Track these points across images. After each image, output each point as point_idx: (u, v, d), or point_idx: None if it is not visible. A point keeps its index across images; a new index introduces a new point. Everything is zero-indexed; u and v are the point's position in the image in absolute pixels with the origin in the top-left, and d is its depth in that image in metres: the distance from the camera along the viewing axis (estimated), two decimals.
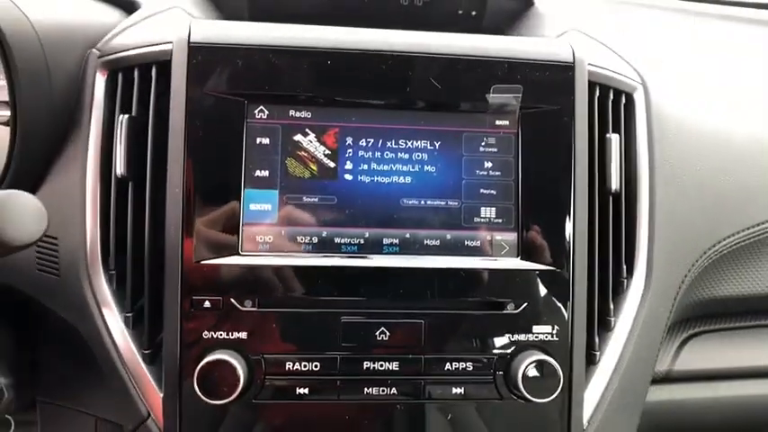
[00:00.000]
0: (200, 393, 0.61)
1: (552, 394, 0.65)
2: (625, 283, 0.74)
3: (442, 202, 0.68)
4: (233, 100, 0.65)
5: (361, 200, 0.67)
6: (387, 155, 0.67)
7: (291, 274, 0.65)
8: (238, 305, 0.64)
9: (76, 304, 0.68)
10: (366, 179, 0.67)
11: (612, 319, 0.73)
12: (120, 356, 0.67)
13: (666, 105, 0.78)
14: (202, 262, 0.64)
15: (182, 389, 0.63)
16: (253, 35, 0.66)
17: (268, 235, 0.65)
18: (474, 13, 0.98)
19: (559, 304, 0.68)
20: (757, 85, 0.98)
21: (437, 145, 0.68)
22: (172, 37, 0.66)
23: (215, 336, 0.64)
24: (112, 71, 0.70)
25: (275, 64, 0.66)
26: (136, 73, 0.69)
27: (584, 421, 0.70)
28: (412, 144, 0.68)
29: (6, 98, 0.64)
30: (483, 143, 0.68)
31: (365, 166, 0.67)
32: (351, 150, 0.67)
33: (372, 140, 0.67)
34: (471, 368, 0.66)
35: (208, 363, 0.61)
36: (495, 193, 0.68)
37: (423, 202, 0.67)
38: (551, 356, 0.65)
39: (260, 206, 0.66)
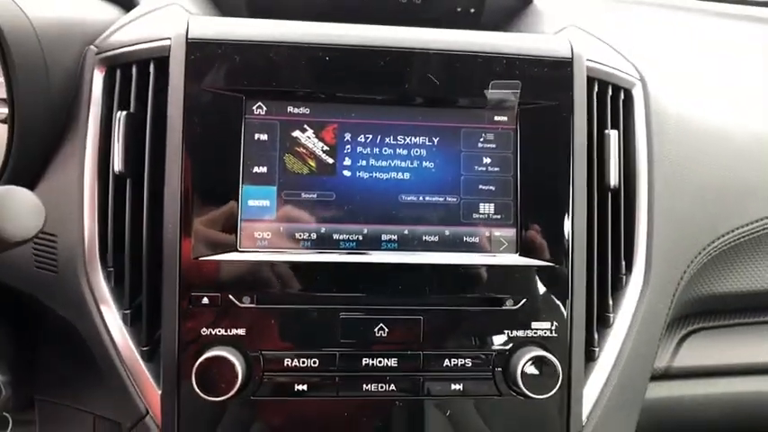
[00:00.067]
0: (198, 390, 0.61)
1: (551, 391, 0.65)
2: (624, 280, 0.74)
3: (441, 198, 0.68)
4: (231, 96, 0.65)
5: (359, 196, 0.67)
6: (385, 151, 0.67)
7: (290, 270, 0.64)
8: (237, 302, 0.64)
9: (74, 301, 0.68)
10: (364, 175, 0.67)
11: (611, 315, 0.73)
12: (119, 354, 0.67)
13: (665, 101, 0.78)
14: (200, 258, 0.64)
15: (180, 386, 0.63)
16: (251, 31, 0.66)
17: (266, 231, 0.65)
18: (472, 10, 0.98)
19: (558, 300, 0.68)
20: (755, 83, 0.98)
21: (435, 141, 0.68)
22: (170, 33, 0.66)
23: (213, 332, 0.63)
24: (110, 68, 0.70)
25: (273, 60, 0.65)
26: (134, 69, 0.69)
27: (583, 418, 0.70)
28: (410, 140, 0.68)
29: (4, 95, 0.64)
30: (481, 139, 0.68)
31: (364, 163, 0.67)
32: (349, 146, 0.67)
33: (371, 136, 0.67)
34: (470, 364, 0.66)
35: (206, 359, 0.61)
36: (493, 188, 0.68)
37: (421, 199, 0.67)
38: (550, 353, 0.65)
39: (258, 202, 0.65)
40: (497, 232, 0.68)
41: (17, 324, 0.81)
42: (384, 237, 0.67)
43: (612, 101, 0.75)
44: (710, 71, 0.95)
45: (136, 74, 0.69)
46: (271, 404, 0.65)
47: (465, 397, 0.67)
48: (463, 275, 0.66)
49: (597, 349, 0.72)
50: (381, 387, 0.66)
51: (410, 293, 0.66)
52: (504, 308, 0.67)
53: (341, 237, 0.66)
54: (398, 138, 0.68)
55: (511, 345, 0.67)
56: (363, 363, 0.65)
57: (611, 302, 0.73)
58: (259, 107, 0.66)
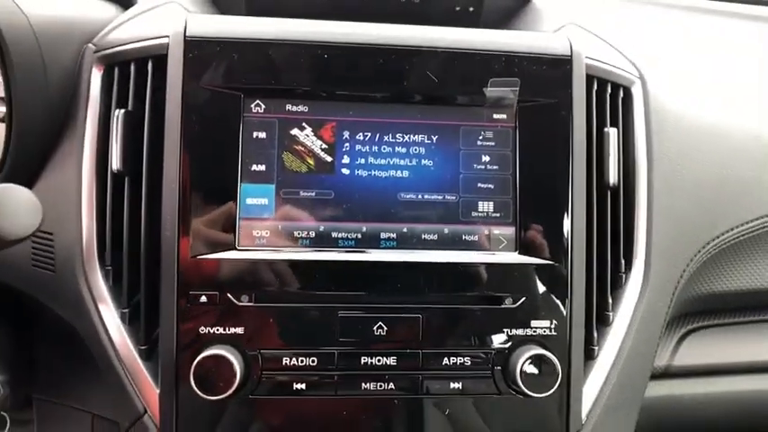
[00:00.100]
0: (196, 389, 0.60)
1: (550, 389, 0.64)
2: (623, 278, 0.74)
3: (440, 197, 0.67)
4: (229, 94, 0.65)
5: (358, 194, 0.66)
6: (384, 149, 0.67)
7: (288, 268, 0.64)
8: (235, 300, 0.64)
9: (72, 300, 0.67)
10: (363, 173, 0.67)
11: (611, 313, 0.73)
12: (117, 352, 0.66)
13: (664, 100, 0.78)
14: (199, 257, 0.63)
15: (178, 385, 0.63)
16: (249, 29, 0.66)
17: (265, 230, 0.65)
18: (471, 9, 0.98)
19: (558, 299, 0.67)
20: (753, 81, 0.97)
21: (434, 139, 0.68)
22: (168, 31, 0.66)
23: (211, 331, 0.63)
24: (108, 66, 0.70)
25: (272, 58, 0.65)
26: (132, 67, 0.69)
27: (583, 416, 0.70)
28: (409, 138, 0.68)
29: (2, 94, 0.64)
30: (480, 137, 0.68)
31: (362, 161, 0.67)
32: (348, 144, 0.67)
33: (369, 134, 0.67)
34: (469, 363, 0.66)
35: (204, 358, 0.61)
36: (492, 187, 0.68)
37: (420, 197, 0.67)
38: (550, 351, 0.65)
39: (256, 201, 0.65)
40: (496, 230, 0.68)
41: (15, 323, 0.80)
42: (383, 235, 0.66)
43: (612, 99, 0.75)
44: (709, 70, 0.95)
45: (134, 72, 0.69)
46: (269, 403, 0.65)
47: (464, 396, 0.66)
48: (462, 274, 0.66)
49: (597, 348, 0.71)
50: (380, 386, 0.65)
51: (409, 292, 0.66)
52: (503, 306, 0.67)
53: (339, 235, 0.66)
54: (397, 136, 0.67)
55: (510, 343, 0.67)
56: (362, 361, 0.65)
57: (610, 301, 0.73)
58: (257, 105, 0.66)
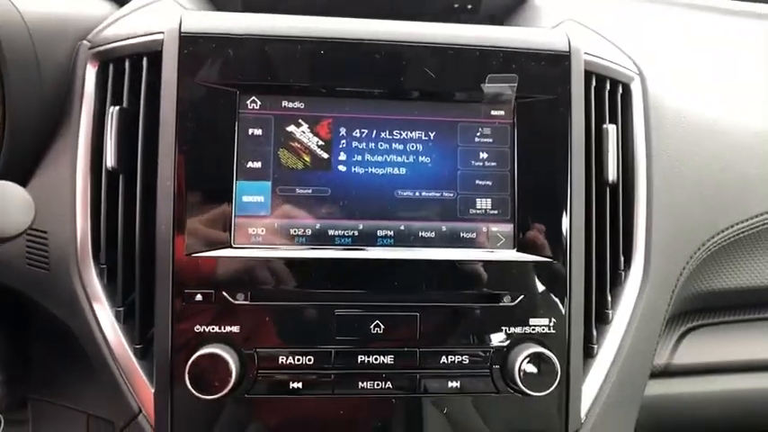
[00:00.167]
0: (191, 388, 0.60)
1: (549, 388, 0.64)
2: (623, 276, 0.73)
3: (437, 194, 0.67)
4: (225, 90, 0.64)
5: (354, 191, 0.66)
6: (381, 146, 0.67)
7: (284, 266, 0.64)
8: (230, 299, 0.63)
9: (67, 299, 0.67)
10: (360, 170, 0.66)
11: (610, 311, 0.72)
12: (111, 352, 0.66)
13: (663, 96, 0.77)
14: (194, 255, 0.63)
15: (173, 384, 0.62)
16: (245, 25, 0.66)
17: (260, 227, 0.65)
18: (469, 6, 0.97)
19: (556, 296, 0.67)
20: (753, 79, 0.97)
21: (432, 135, 0.67)
22: (163, 27, 0.65)
23: (207, 330, 0.63)
24: (103, 62, 0.69)
25: (268, 54, 0.65)
26: (127, 64, 0.68)
27: (582, 415, 0.69)
28: (406, 135, 0.67)
29: None
30: (478, 133, 0.68)
31: (359, 158, 0.66)
32: (344, 141, 0.66)
33: (366, 131, 0.67)
34: (467, 361, 0.66)
35: (199, 357, 0.60)
36: (490, 184, 0.67)
37: (417, 194, 0.67)
38: (548, 349, 0.64)
39: (252, 198, 0.65)
40: (494, 228, 0.67)
41: (10, 323, 0.80)
42: (380, 233, 0.66)
43: (610, 95, 0.75)
44: (708, 67, 0.94)
45: (129, 68, 0.68)
46: (265, 402, 0.64)
47: (462, 395, 0.66)
48: (460, 271, 0.65)
49: (596, 346, 0.71)
50: (377, 385, 0.65)
51: (406, 290, 0.65)
52: (501, 304, 0.66)
53: (336, 233, 0.65)
54: (394, 132, 0.67)
55: (508, 341, 0.66)
56: (359, 360, 0.65)
57: (609, 299, 0.72)
58: (253, 102, 0.65)
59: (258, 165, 0.65)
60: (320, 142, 0.66)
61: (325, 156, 0.66)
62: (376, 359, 0.65)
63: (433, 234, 0.66)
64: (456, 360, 0.66)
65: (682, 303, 0.84)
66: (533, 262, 0.66)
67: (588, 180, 0.70)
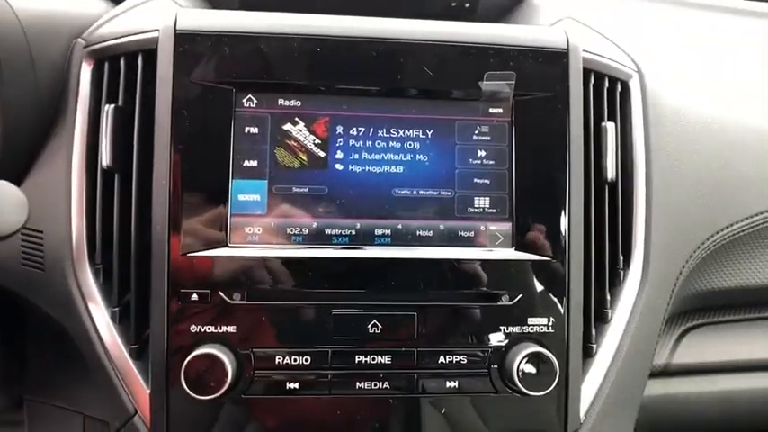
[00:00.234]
0: (187, 389, 0.59)
1: (548, 388, 0.63)
2: (622, 275, 0.73)
3: (435, 192, 0.66)
4: (220, 89, 0.64)
5: (351, 190, 0.65)
6: (378, 144, 0.66)
7: (281, 266, 0.63)
8: (227, 298, 0.63)
9: (62, 299, 0.66)
10: (357, 169, 0.66)
11: (609, 310, 0.72)
12: (107, 352, 0.65)
13: (662, 94, 0.77)
14: (189, 255, 0.62)
15: (169, 385, 0.62)
16: (241, 23, 0.65)
17: (257, 226, 0.64)
18: (467, 5, 0.97)
19: (555, 296, 0.66)
20: (752, 77, 0.97)
21: (429, 134, 0.67)
22: (158, 25, 0.65)
23: (203, 330, 0.62)
24: (98, 61, 0.69)
25: (264, 52, 0.64)
26: (122, 62, 0.68)
27: (581, 415, 0.69)
28: (404, 133, 0.67)
29: None
30: (476, 131, 0.67)
31: (356, 156, 0.66)
32: (341, 139, 0.66)
33: (363, 129, 0.66)
34: (465, 361, 0.65)
35: (195, 357, 0.60)
36: (488, 182, 0.67)
37: (415, 193, 0.66)
38: (547, 349, 0.64)
39: (248, 197, 0.64)
40: (493, 226, 0.67)
41: (5, 323, 0.79)
42: (377, 231, 0.65)
43: (609, 93, 0.74)
44: (707, 65, 0.94)
45: (124, 67, 0.68)
46: (262, 403, 0.64)
47: (460, 395, 0.65)
48: (458, 270, 0.65)
49: (595, 345, 0.71)
50: (375, 385, 0.64)
51: (404, 289, 0.65)
52: (499, 303, 0.66)
53: (333, 232, 0.65)
54: (392, 131, 0.67)
55: (507, 341, 0.66)
56: (356, 360, 0.64)
57: (608, 298, 0.72)
58: (249, 100, 0.65)
59: (254, 163, 0.64)
60: (317, 140, 0.66)
61: (322, 154, 0.65)
62: (373, 359, 0.64)
63: (430, 233, 0.66)
64: (454, 360, 0.65)
65: (681, 302, 0.84)
66: (532, 261, 0.66)
67: (587, 178, 0.70)
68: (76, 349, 0.67)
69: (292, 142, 0.65)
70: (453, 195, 0.67)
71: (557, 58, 0.68)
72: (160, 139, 0.63)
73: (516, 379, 0.63)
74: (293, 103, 0.66)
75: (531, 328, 0.66)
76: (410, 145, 0.67)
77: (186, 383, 0.59)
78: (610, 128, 0.72)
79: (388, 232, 0.66)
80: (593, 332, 0.70)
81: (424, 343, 0.65)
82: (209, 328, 0.62)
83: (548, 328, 0.66)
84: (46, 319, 0.69)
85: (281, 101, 0.65)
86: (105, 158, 0.66)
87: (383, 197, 0.66)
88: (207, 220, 0.63)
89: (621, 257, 0.73)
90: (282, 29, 0.65)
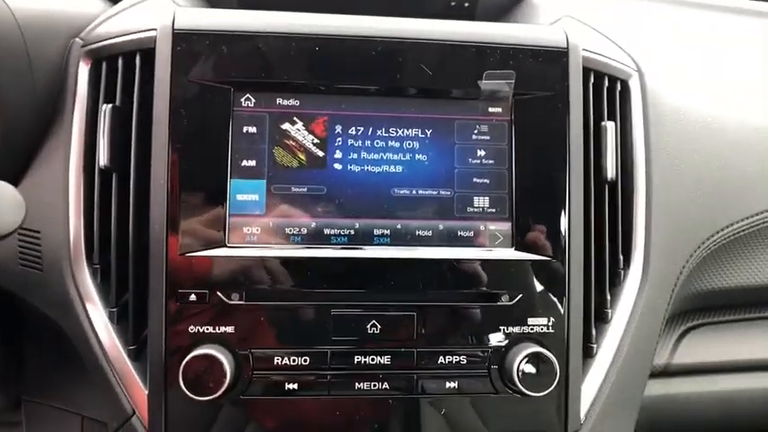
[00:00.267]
0: (185, 390, 0.59)
1: (548, 388, 0.63)
2: (622, 274, 0.72)
3: (434, 192, 0.66)
4: (219, 88, 0.64)
5: (350, 190, 0.65)
6: (377, 143, 0.66)
7: (279, 266, 0.63)
8: (225, 299, 0.62)
9: (60, 300, 0.66)
10: (356, 168, 0.65)
11: (609, 310, 0.71)
12: (105, 353, 0.65)
13: (662, 93, 0.77)
14: (188, 255, 0.62)
15: (167, 385, 0.62)
16: (239, 22, 0.65)
17: (255, 226, 0.64)
18: (467, 4, 0.97)
19: (555, 296, 0.66)
20: (753, 76, 0.96)
21: (428, 133, 0.67)
22: (156, 24, 0.65)
23: (201, 330, 0.62)
24: (96, 60, 0.69)
25: (262, 51, 0.64)
26: (120, 62, 0.67)
27: (582, 416, 0.68)
28: (403, 132, 0.66)
29: None
30: (476, 131, 0.67)
31: (355, 155, 0.66)
32: (340, 139, 0.66)
33: (362, 129, 0.66)
34: (465, 361, 0.65)
35: (193, 358, 0.59)
36: (488, 182, 0.67)
37: (414, 192, 0.66)
38: (547, 349, 0.64)
39: (247, 197, 0.64)
40: (492, 226, 0.67)
41: (3, 323, 0.79)
42: (376, 231, 0.65)
43: (609, 92, 0.74)
44: (707, 64, 0.94)
45: (122, 66, 0.67)
46: (261, 404, 0.63)
47: (460, 395, 0.65)
48: (457, 270, 0.65)
49: (595, 346, 0.70)
50: (374, 386, 0.64)
51: (403, 289, 0.65)
52: (499, 303, 0.65)
53: (332, 232, 0.65)
54: (390, 130, 0.66)
55: (507, 341, 0.65)
56: (356, 361, 0.64)
57: (608, 298, 0.72)
58: (247, 99, 0.65)
59: (253, 163, 0.64)
60: (315, 140, 0.65)
61: (321, 154, 0.65)
62: (373, 359, 0.64)
63: (430, 233, 0.66)
64: (454, 360, 0.65)
65: (681, 302, 0.83)
66: (532, 261, 0.66)
67: (587, 178, 0.69)
68: (74, 350, 0.67)
69: (291, 142, 0.65)
70: (453, 195, 0.66)
71: (556, 57, 0.68)
72: (158, 138, 0.63)
73: (516, 379, 0.63)
74: (292, 102, 0.65)
75: (531, 329, 0.66)
76: (409, 144, 0.66)
77: (184, 384, 0.59)
78: (610, 127, 0.71)
79: (388, 232, 0.65)
80: (594, 332, 0.70)
81: (424, 343, 0.65)
82: (207, 329, 0.62)
83: (548, 329, 0.66)
84: (44, 320, 0.69)
85: (279, 100, 0.65)
86: (103, 158, 0.65)
87: (382, 197, 0.65)
88: (205, 219, 0.63)
89: (621, 257, 0.72)
90: (281, 28, 0.65)
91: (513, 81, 0.66)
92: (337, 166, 0.65)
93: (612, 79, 0.74)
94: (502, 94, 0.67)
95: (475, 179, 0.67)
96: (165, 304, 0.62)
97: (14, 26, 0.63)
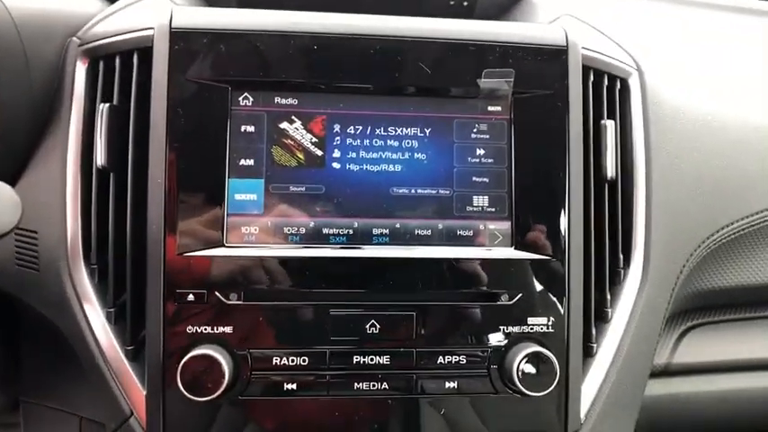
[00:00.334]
0: (183, 390, 0.59)
1: (548, 388, 0.63)
2: (622, 274, 0.72)
3: (434, 191, 0.66)
4: (217, 87, 0.64)
5: (349, 189, 0.65)
6: (376, 142, 0.66)
7: (278, 266, 0.63)
8: (223, 299, 0.62)
9: (57, 300, 0.66)
10: (354, 167, 0.65)
11: (609, 310, 0.71)
12: (102, 353, 0.65)
13: (662, 91, 0.76)
14: (185, 254, 0.62)
15: (165, 386, 0.61)
16: (236, 20, 0.65)
17: (253, 226, 0.64)
18: (465, 3, 0.96)
19: (555, 295, 0.66)
20: (753, 75, 0.96)
21: (427, 132, 0.66)
22: (153, 23, 0.65)
23: (199, 330, 0.62)
24: (93, 59, 0.68)
25: (260, 49, 0.64)
26: (117, 61, 0.67)
27: (582, 416, 0.68)
28: (402, 131, 0.66)
29: None
30: (475, 129, 0.67)
31: (353, 155, 0.65)
32: (339, 138, 0.65)
33: (361, 128, 0.66)
34: (465, 361, 0.65)
35: (191, 358, 0.59)
36: (487, 180, 0.66)
37: (413, 191, 0.66)
38: (547, 349, 0.63)
39: (245, 196, 0.64)
40: (492, 225, 0.66)
41: (0, 324, 0.79)
42: (375, 231, 0.65)
43: (608, 91, 0.74)
44: (707, 63, 0.94)
45: (119, 65, 0.67)
46: (259, 404, 0.63)
47: (460, 395, 0.65)
48: (457, 270, 0.65)
49: (595, 345, 0.70)
50: (373, 386, 0.64)
51: (402, 289, 0.64)
52: (499, 303, 0.65)
53: (331, 231, 0.64)
54: (389, 129, 0.66)
55: (506, 341, 0.65)
56: (355, 361, 0.64)
57: (609, 297, 0.71)
58: (245, 98, 0.64)
59: (251, 162, 0.64)
60: (314, 139, 0.65)
61: (319, 153, 0.65)
62: (372, 360, 0.64)
63: (429, 232, 0.65)
64: (453, 360, 0.65)
65: (682, 302, 0.83)
66: (531, 260, 0.66)
67: (586, 176, 0.69)
68: (72, 350, 0.67)
69: (289, 141, 0.65)
70: (452, 194, 0.66)
71: (556, 56, 0.67)
72: (156, 137, 0.63)
73: (516, 379, 0.62)
74: (290, 101, 0.65)
75: (531, 328, 0.65)
76: (408, 143, 0.66)
77: (183, 385, 0.59)
78: (609, 125, 0.71)
79: (386, 231, 0.65)
80: (594, 332, 0.70)
81: (423, 343, 0.64)
82: (205, 329, 0.62)
83: (548, 328, 0.66)
84: (41, 320, 0.69)
85: (277, 99, 0.65)
86: (100, 158, 0.65)
87: (381, 196, 0.65)
88: (203, 219, 0.62)
89: (621, 256, 0.72)
90: (279, 26, 0.65)
91: (512, 79, 0.66)
92: (336, 165, 0.65)
93: (612, 78, 0.74)
94: (501, 92, 0.66)
95: (474, 178, 0.66)
96: (162, 304, 0.61)
97: (11, 25, 0.63)
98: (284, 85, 0.65)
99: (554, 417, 0.66)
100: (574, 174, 0.67)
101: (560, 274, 0.66)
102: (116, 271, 0.65)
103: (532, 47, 0.67)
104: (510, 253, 0.66)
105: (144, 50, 0.66)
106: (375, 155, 0.65)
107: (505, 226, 0.66)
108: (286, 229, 0.64)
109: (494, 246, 0.66)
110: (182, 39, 0.63)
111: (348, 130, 0.65)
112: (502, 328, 0.65)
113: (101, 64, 0.68)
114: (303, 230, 0.64)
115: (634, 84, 0.75)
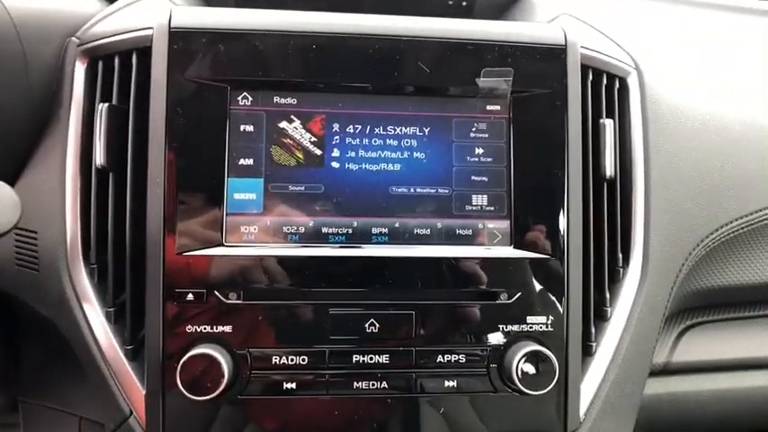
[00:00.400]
0: (183, 390, 0.59)
1: (547, 387, 0.63)
2: (621, 272, 0.72)
3: (433, 190, 0.66)
4: (216, 86, 0.64)
5: (348, 188, 0.65)
6: (375, 142, 0.66)
7: (277, 265, 0.63)
8: (222, 298, 0.62)
9: (56, 300, 0.66)
10: (354, 167, 0.65)
11: (609, 308, 0.71)
12: (102, 353, 0.65)
13: (661, 90, 0.76)
14: (185, 254, 0.62)
15: (164, 385, 0.61)
16: (235, 20, 0.65)
17: (253, 225, 0.64)
18: (464, 2, 0.96)
19: (554, 294, 0.66)
20: (752, 74, 0.96)
21: (426, 131, 0.66)
22: (152, 23, 0.65)
23: (198, 330, 0.62)
24: (92, 59, 0.68)
25: (259, 49, 0.64)
26: (116, 61, 0.67)
27: (581, 414, 0.68)
28: (400, 130, 0.66)
29: None
30: (474, 129, 0.67)
31: (353, 154, 0.65)
32: (338, 137, 0.65)
33: (360, 127, 0.66)
34: (464, 360, 0.65)
35: (191, 358, 0.59)
36: (486, 179, 0.66)
37: (412, 190, 0.66)
38: (546, 348, 0.63)
39: (244, 195, 0.64)
40: (491, 224, 0.66)
41: (0, 324, 0.79)
42: (374, 230, 0.65)
43: (607, 90, 0.74)
44: (706, 62, 0.94)
45: (118, 65, 0.67)
46: (259, 403, 0.63)
47: (459, 394, 0.65)
48: (456, 269, 0.65)
49: (594, 344, 0.70)
50: (373, 385, 0.64)
51: (401, 288, 0.64)
52: (498, 302, 0.65)
53: (330, 230, 0.64)
54: (388, 128, 0.66)
55: (506, 340, 0.65)
56: (354, 360, 0.64)
57: (608, 296, 0.71)
58: (244, 98, 0.64)
59: (250, 162, 0.64)
60: (313, 138, 0.65)
61: (318, 152, 0.65)
62: (371, 359, 0.64)
63: (428, 231, 0.65)
64: (452, 359, 0.65)
65: (681, 300, 0.83)
66: (530, 259, 0.66)
67: (585, 175, 0.69)
68: (71, 350, 0.67)
69: (288, 140, 0.65)
70: (451, 193, 0.66)
71: (554, 55, 0.67)
72: (155, 137, 0.63)
73: (515, 378, 0.62)
74: (289, 100, 0.65)
75: (530, 327, 0.65)
76: (407, 142, 0.66)
77: (182, 384, 0.59)
78: (608, 125, 0.71)
79: (386, 230, 0.65)
80: (593, 330, 0.70)
81: (423, 342, 0.64)
82: (205, 329, 0.62)
83: (547, 327, 0.66)
84: (40, 320, 0.69)
85: (276, 98, 0.65)
86: (99, 157, 0.65)
87: (380, 195, 0.65)
88: (202, 219, 0.62)
89: (621, 255, 0.72)
90: (278, 26, 0.65)
91: (511, 79, 0.66)
92: (335, 164, 0.65)
93: (611, 77, 0.74)
94: (500, 91, 0.67)
95: (473, 177, 0.66)
96: (162, 304, 0.61)
97: (10, 25, 0.63)
98: (283, 84, 0.65)
99: (553, 415, 0.66)
100: (573, 173, 0.67)
101: (559, 273, 0.66)
102: (115, 271, 0.65)
103: (531, 46, 0.67)
104: (509, 252, 0.66)
105: (143, 50, 0.66)
106: (374, 154, 0.65)
107: (504, 225, 0.67)
108: (285, 229, 0.64)
109: (493, 245, 0.66)
110: (181, 38, 0.63)
111: (347, 130, 0.65)
112: (501, 326, 0.65)
113: (100, 64, 0.68)
114: (302, 230, 0.64)
115: (633, 83, 0.75)
